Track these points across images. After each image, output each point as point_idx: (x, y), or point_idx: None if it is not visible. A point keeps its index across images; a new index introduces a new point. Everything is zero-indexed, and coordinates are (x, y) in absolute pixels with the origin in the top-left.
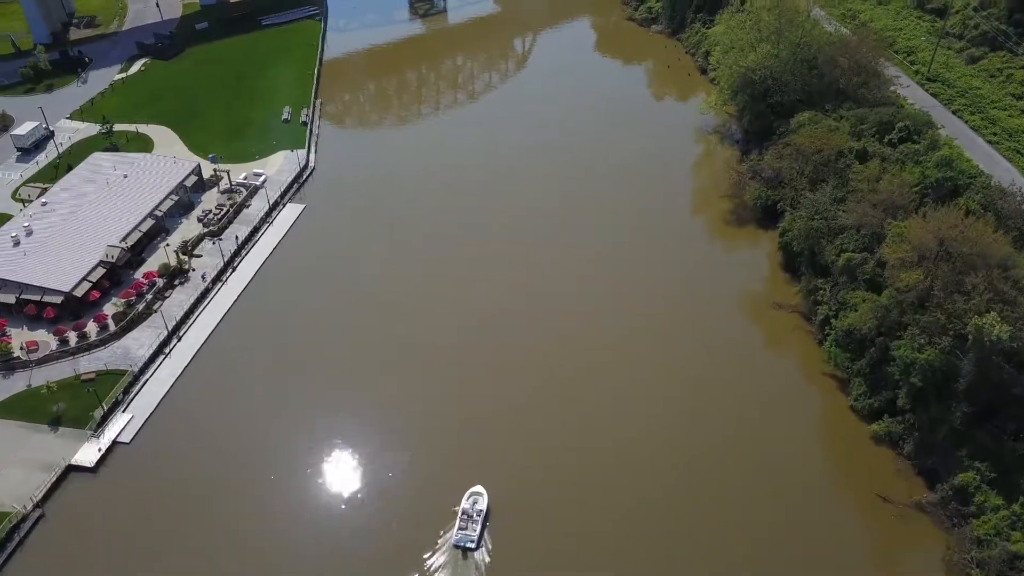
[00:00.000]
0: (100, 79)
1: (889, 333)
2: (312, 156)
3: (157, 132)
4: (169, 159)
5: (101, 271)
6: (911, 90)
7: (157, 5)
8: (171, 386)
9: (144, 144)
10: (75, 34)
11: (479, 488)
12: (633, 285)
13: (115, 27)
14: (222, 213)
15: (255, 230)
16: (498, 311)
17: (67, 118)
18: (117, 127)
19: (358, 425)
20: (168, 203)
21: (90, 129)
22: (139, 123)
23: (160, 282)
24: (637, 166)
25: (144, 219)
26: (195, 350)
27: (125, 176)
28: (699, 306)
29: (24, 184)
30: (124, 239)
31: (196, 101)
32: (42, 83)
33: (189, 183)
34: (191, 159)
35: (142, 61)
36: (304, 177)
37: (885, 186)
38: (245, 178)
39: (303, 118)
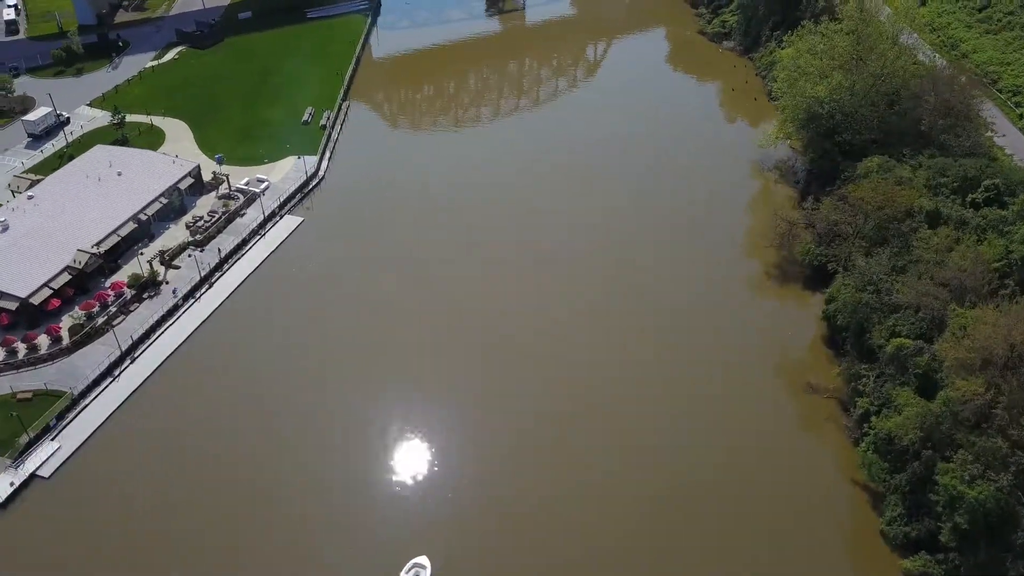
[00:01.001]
0: (132, 65)
1: (939, 447)
2: (325, 163)
3: (171, 126)
4: (169, 158)
5: (66, 277)
6: (1011, 138)
7: None
8: (110, 415)
9: (155, 138)
10: (121, 16)
11: (423, 560)
12: (652, 337)
13: (162, 11)
14: (211, 221)
15: (243, 243)
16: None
17: (87, 105)
18: (133, 118)
19: (313, 479)
20: (156, 206)
21: (107, 118)
22: (155, 115)
23: (129, 293)
24: (685, 195)
25: (125, 223)
26: (147, 374)
27: (119, 174)
28: (725, 377)
29: (19, 174)
30: (99, 243)
31: (220, 95)
32: (73, 67)
33: (184, 185)
34: (197, 158)
35: (178, 49)
36: (310, 186)
37: (956, 260)
38: (247, 183)
39: (323, 121)
